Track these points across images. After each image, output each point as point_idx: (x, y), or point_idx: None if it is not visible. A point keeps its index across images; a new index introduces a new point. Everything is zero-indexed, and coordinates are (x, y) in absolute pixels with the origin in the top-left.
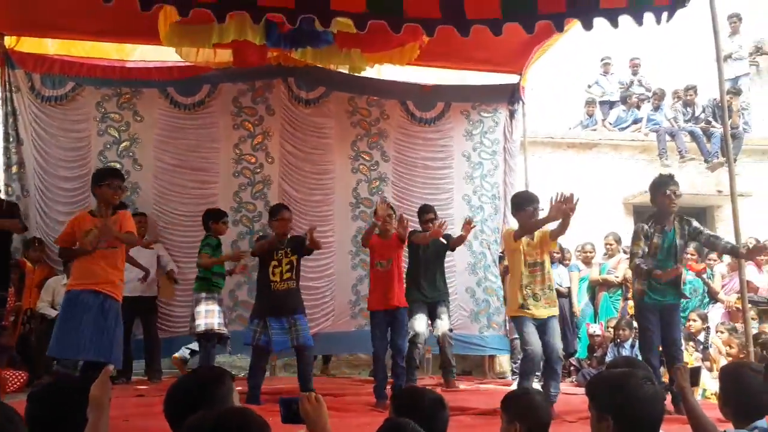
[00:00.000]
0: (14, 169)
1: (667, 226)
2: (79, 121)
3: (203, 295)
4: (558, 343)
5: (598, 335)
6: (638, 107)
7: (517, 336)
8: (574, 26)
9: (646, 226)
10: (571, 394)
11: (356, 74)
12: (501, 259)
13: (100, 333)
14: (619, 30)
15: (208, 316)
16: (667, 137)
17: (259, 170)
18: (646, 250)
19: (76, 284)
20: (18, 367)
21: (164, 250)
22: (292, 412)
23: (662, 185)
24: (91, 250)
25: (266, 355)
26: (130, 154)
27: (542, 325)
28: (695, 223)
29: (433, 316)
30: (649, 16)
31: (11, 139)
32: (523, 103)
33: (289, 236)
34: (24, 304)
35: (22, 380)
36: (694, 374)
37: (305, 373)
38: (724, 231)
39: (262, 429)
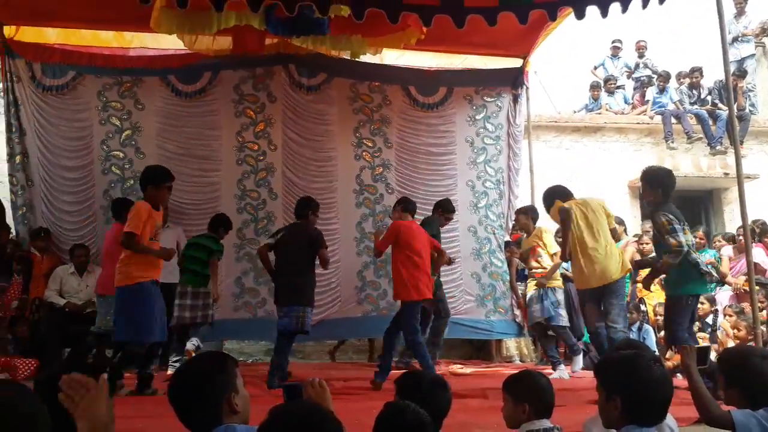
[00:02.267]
0: (18, 159)
1: None
2: (80, 110)
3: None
4: None
5: None
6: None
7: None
8: (569, 15)
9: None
10: (578, 378)
11: (357, 60)
12: (507, 244)
13: (163, 318)
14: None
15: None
16: (673, 120)
17: (262, 158)
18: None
19: (141, 276)
20: (28, 355)
21: (183, 235)
22: (296, 398)
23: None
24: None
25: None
26: (133, 142)
27: None
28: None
29: None
30: (636, 4)
31: (14, 129)
32: (527, 87)
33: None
34: (32, 294)
35: (32, 368)
36: (702, 354)
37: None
38: (731, 214)
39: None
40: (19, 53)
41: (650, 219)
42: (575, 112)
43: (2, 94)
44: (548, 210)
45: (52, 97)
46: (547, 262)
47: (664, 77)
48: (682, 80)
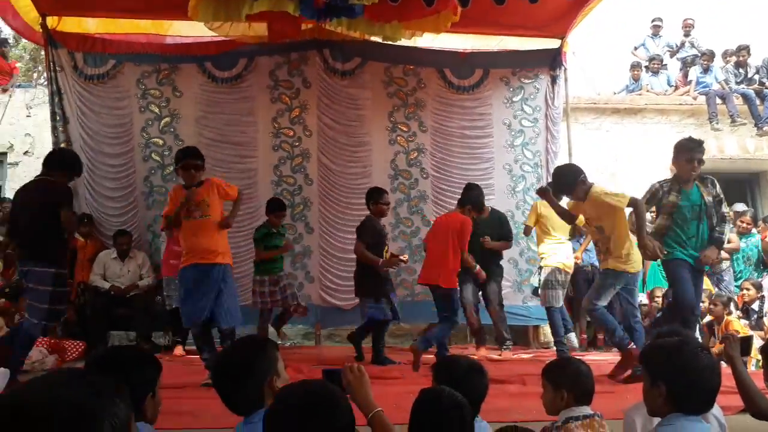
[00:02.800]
0: (63, 147)
1: (687, 186)
2: (120, 98)
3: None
4: None
5: (644, 304)
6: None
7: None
8: None
9: (658, 185)
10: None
11: (391, 43)
12: None
13: (214, 298)
14: None
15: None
16: (718, 100)
17: (297, 144)
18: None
19: (183, 262)
20: (76, 338)
21: None
22: (334, 383)
23: (687, 151)
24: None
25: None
26: (172, 129)
27: None
28: (719, 188)
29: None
30: None
31: (58, 118)
32: (565, 68)
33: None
34: (77, 278)
35: (80, 349)
36: (745, 344)
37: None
38: None
39: (345, 406)
40: (62, 43)
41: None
42: (615, 93)
43: (47, 83)
44: (572, 189)
45: (93, 85)
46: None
47: (709, 56)
48: (728, 59)
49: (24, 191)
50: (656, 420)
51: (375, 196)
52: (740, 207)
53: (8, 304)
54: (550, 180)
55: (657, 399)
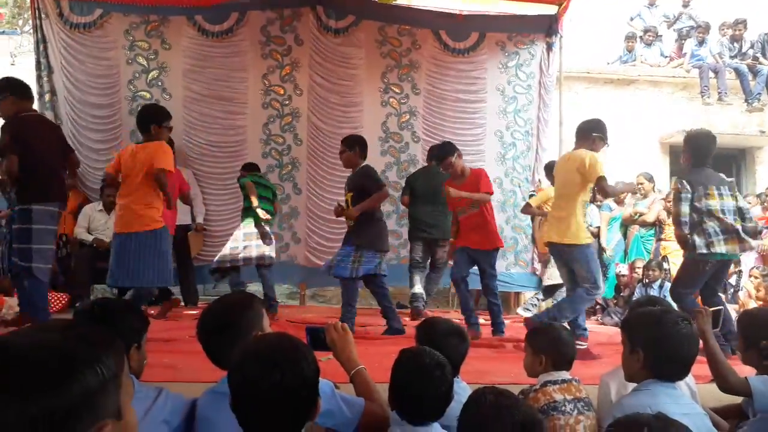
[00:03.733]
0: (47, 97)
1: None
2: (107, 48)
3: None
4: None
5: (624, 275)
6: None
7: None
8: None
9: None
10: (595, 333)
11: (387, 2)
12: (532, 197)
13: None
14: None
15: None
16: (711, 74)
17: (287, 102)
18: None
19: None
20: (60, 290)
21: (193, 178)
22: (318, 340)
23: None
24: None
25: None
26: (159, 83)
27: None
28: None
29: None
30: None
31: (42, 68)
32: (561, 36)
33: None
34: (59, 230)
35: (64, 301)
36: (716, 316)
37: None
38: (764, 173)
39: (310, 358)
40: None
41: None
42: (609, 63)
43: (31, 31)
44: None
45: (79, 34)
46: None
47: (704, 28)
48: (724, 32)
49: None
50: (631, 386)
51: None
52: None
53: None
54: (540, 148)
55: (634, 365)
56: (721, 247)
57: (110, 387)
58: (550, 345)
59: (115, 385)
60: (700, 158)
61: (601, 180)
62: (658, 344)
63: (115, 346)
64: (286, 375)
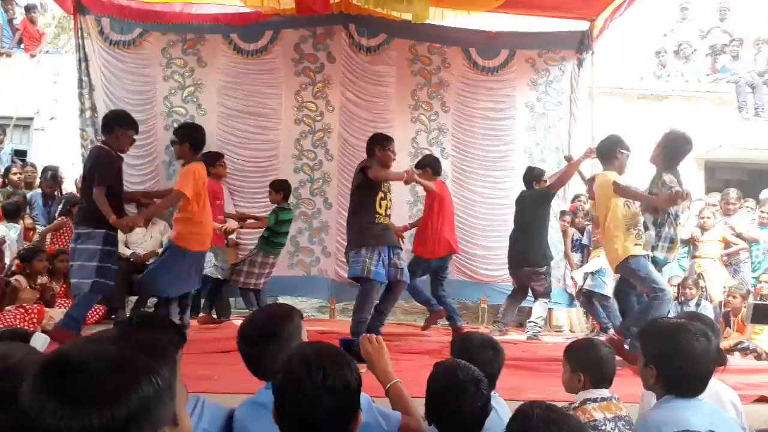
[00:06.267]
0: (88, 113)
1: None
2: (145, 65)
3: None
4: None
5: None
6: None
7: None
8: None
9: None
10: None
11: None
12: (562, 213)
13: None
14: None
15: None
16: (748, 89)
17: (319, 118)
18: None
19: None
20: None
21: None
22: (353, 353)
23: None
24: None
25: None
26: (194, 99)
27: None
28: None
29: None
30: None
31: (84, 85)
32: (593, 51)
33: None
34: None
35: (100, 314)
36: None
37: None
38: None
39: (353, 367)
40: (90, 9)
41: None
42: (641, 79)
43: (74, 50)
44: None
45: (119, 50)
46: None
47: (739, 43)
48: (760, 46)
49: None
50: None
51: (384, 141)
52: (766, 194)
53: (21, 266)
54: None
55: (649, 379)
56: (663, 254)
57: (166, 395)
58: (590, 364)
59: (170, 392)
60: (673, 160)
61: (615, 185)
62: (669, 361)
63: (168, 355)
64: (329, 377)
